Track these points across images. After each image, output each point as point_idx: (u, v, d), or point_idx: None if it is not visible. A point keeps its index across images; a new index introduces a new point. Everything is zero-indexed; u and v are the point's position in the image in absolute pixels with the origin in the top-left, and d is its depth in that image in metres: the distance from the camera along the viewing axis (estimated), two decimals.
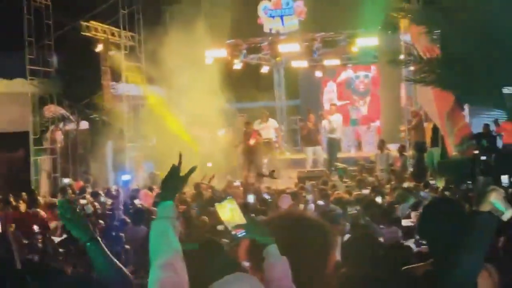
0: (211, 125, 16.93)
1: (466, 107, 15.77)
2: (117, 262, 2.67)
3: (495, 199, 2.55)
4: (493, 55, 9.31)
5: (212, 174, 13.32)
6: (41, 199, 12.39)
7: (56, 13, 16.53)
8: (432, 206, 3.29)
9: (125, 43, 17.70)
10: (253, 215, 7.14)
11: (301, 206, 9.57)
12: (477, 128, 15.43)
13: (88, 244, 2.64)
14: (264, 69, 21.08)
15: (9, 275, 2.49)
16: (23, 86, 15.51)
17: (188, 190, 11.99)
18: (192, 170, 2.44)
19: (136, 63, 17.69)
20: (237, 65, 18.57)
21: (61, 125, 17.42)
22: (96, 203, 11.46)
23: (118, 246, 7.68)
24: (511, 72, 9.41)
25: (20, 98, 15.42)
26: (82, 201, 11.27)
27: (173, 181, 2.38)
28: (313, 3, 17.86)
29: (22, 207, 10.97)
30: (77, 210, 2.76)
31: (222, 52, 17.95)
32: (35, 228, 9.29)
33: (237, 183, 14.31)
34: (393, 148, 17.00)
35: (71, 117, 17.76)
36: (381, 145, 16.33)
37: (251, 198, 10.40)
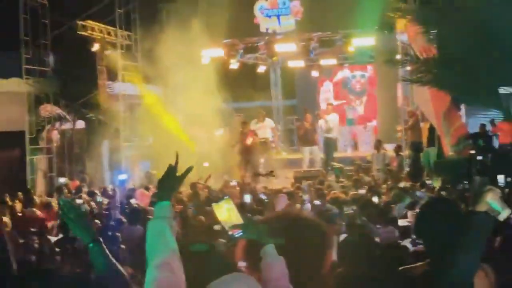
0: (207, 125, 16.90)
1: (462, 107, 15.78)
2: (117, 263, 2.66)
3: (491, 199, 2.55)
4: (491, 55, 9.31)
5: (209, 174, 13.31)
6: (37, 199, 12.35)
7: (52, 13, 16.48)
8: (429, 206, 3.31)
9: (122, 42, 17.67)
10: (250, 215, 7.15)
11: (298, 206, 9.58)
12: (474, 128, 15.44)
13: (91, 245, 2.63)
14: (261, 69, 21.03)
15: (8, 275, 2.48)
16: (19, 86, 15.44)
17: (185, 189, 11.98)
18: (188, 170, 2.45)
19: (133, 62, 17.64)
20: (234, 64, 18.54)
21: (57, 124, 17.36)
22: (92, 203, 11.46)
23: (114, 246, 7.66)
24: (508, 72, 9.41)
25: (16, 98, 15.36)
26: (78, 201, 11.23)
27: (169, 181, 2.38)
28: (309, 3, 17.88)
29: (18, 206, 10.95)
30: (81, 210, 2.75)
31: (219, 52, 17.90)
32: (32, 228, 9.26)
33: (233, 183, 14.28)
34: (389, 148, 17.01)
35: (67, 116, 17.70)
36: (378, 145, 16.32)
37: (247, 198, 10.40)
